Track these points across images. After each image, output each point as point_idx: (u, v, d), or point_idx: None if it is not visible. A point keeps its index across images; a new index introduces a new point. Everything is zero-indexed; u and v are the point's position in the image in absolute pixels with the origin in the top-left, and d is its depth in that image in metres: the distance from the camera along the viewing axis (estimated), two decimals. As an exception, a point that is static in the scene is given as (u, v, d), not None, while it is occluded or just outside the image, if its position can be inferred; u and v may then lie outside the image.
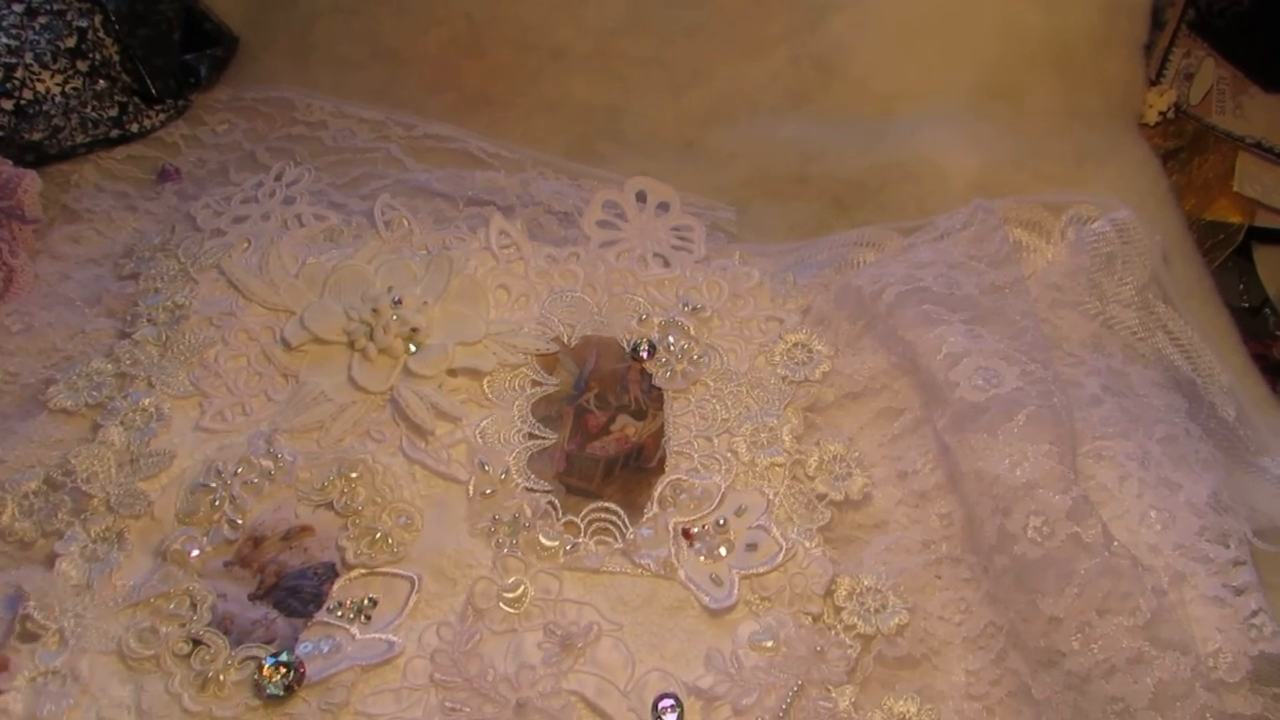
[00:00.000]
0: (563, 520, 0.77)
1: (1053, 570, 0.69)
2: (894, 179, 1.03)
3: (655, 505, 0.78)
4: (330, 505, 0.78)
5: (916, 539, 0.78)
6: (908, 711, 0.71)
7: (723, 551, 0.76)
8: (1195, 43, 1.08)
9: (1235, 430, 0.88)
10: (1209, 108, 1.08)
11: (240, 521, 0.77)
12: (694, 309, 0.89)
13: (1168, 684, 0.66)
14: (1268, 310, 1.02)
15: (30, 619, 0.71)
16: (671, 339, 0.87)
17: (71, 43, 1.02)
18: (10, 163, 0.94)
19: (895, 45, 1.10)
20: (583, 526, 0.77)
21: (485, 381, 0.84)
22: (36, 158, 1.01)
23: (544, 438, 0.82)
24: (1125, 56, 1.08)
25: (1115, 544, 0.70)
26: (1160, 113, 1.10)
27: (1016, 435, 0.74)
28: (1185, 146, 1.09)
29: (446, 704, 0.69)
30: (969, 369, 0.78)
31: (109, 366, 0.85)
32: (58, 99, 1.00)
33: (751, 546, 0.76)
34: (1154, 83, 1.11)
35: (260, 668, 0.69)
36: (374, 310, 0.85)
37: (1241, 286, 1.04)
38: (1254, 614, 0.73)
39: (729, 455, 0.81)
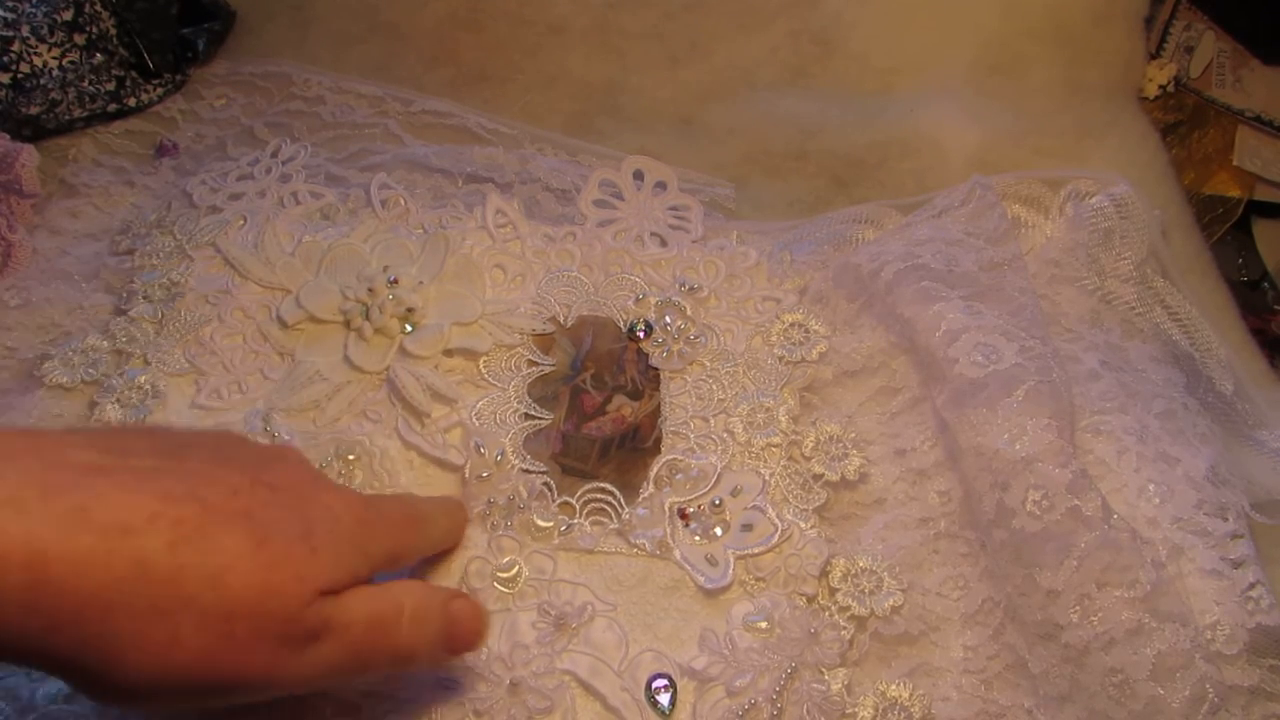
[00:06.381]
0: (558, 501, 0.77)
1: (1052, 544, 0.70)
2: (893, 155, 1.03)
3: (651, 485, 0.78)
4: (329, 488, 0.78)
5: (914, 516, 0.78)
6: (900, 695, 0.71)
7: (718, 532, 0.76)
8: (1195, 16, 1.08)
9: (1233, 404, 0.88)
10: (1209, 81, 1.08)
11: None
12: (691, 289, 0.88)
13: (1167, 655, 0.66)
14: (1266, 284, 1.02)
15: None
16: (668, 319, 0.86)
17: (68, 16, 1.01)
18: (8, 137, 0.94)
19: (895, 20, 1.10)
20: (578, 507, 0.77)
21: (481, 362, 0.84)
22: (34, 132, 1.01)
23: (540, 418, 0.82)
24: (1125, 30, 1.08)
25: (1115, 517, 0.70)
26: (1160, 86, 1.09)
27: (1016, 410, 0.74)
28: (1185, 120, 1.09)
29: (440, 682, 0.69)
30: (968, 345, 0.78)
31: (104, 344, 0.84)
32: (55, 73, 1.00)
33: (747, 527, 0.76)
34: (1154, 56, 1.10)
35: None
36: (370, 290, 0.85)
37: (1240, 260, 1.04)
38: (1251, 586, 0.73)
39: (725, 435, 0.81)
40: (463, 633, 0.63)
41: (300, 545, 0.55)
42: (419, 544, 0.68)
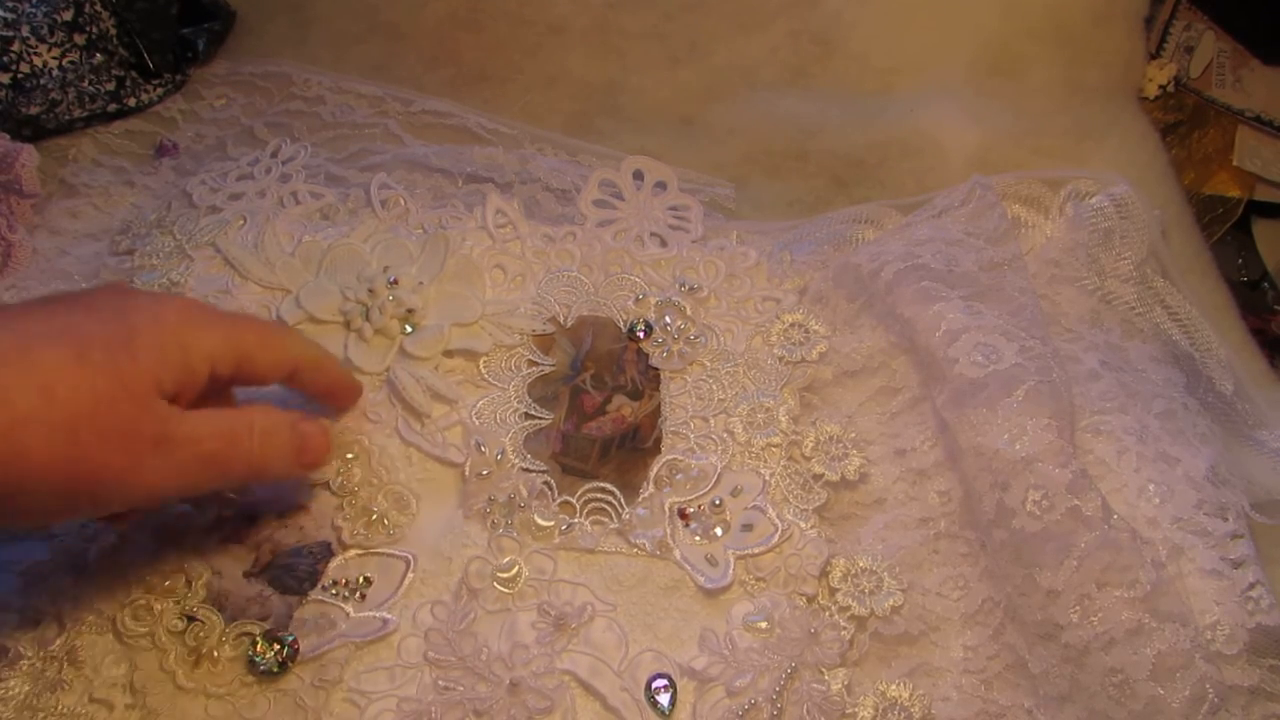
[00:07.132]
0: (558, 500, 0.77)
1: (1052, 544, 0.69)
2: (893, 155, 1.03)
3: (651, 485, 0.78)
4: (327, 485, 0.77)
5: (914, 516, 0.78)
6: (900, 696, 0.71)
7: (718, 532, 0.76)
8: (1195, 15, 1.08)
9: (1233, 404, 0.88)
10: (1209, 81, 1.08)
11: (236, 498, 0.76)
12: (691, 289, 0.88)
13: (1167, 655, 0.66)
14: (1266, 284, 1.02)
15: (32, 606, 0.71)
16: (668, 319, 0.86)
17: (69, 16, 1.01)
18: (8, 137, 0.94)
19: (895, 20, 1.10)
20: (578, 506, 0.77)
21: (481, 362, 0.84)
22: (34, 132, 1.01)
23: (540, 418, 0.82)
24: (1125, 30, 1.08)
25: (1115, 517, 0.70)
26: (1160, 86, 1.09)
27: (1016, 410, 0.74)
28: (1185, 120, 1.09)
29: (440, 682, 0.69)
30: (968, 345, 0.78)
31: (105, 344, 0.84)
32: (55, 73, 1.00)
33: (747, 527, 0.76)
34: (1154, 56, 1.10)
35: (254, 644, 0.69)
36: (370, 290, 0.85)
37: (1240, 260, 1.04)
38: (1251, 586, 0.73)
39: (725, 436, 0.81)
40: (310, 448, 0.69)
41: (122, 352, 0.58)
42: (272, 351, 0.69)
